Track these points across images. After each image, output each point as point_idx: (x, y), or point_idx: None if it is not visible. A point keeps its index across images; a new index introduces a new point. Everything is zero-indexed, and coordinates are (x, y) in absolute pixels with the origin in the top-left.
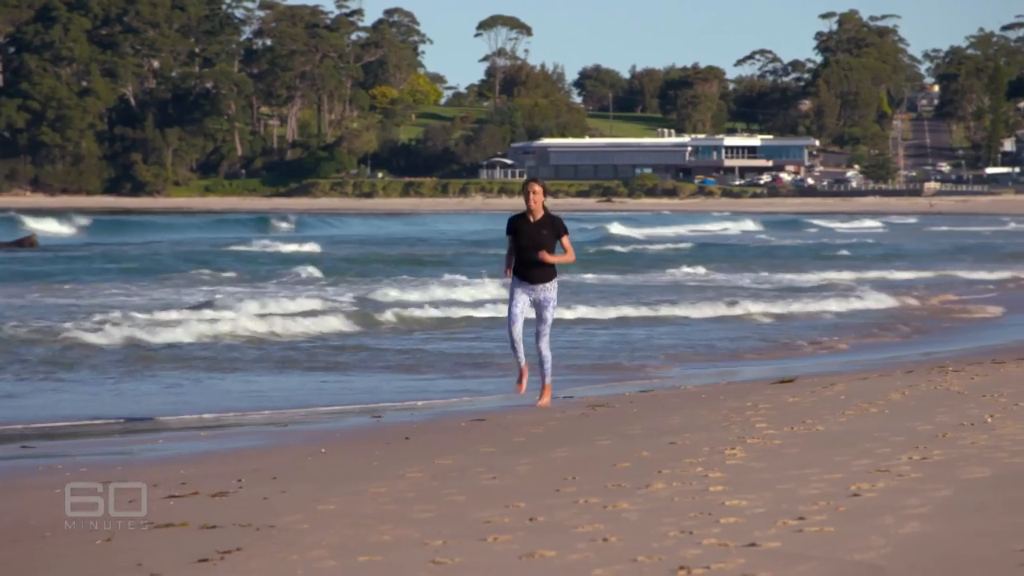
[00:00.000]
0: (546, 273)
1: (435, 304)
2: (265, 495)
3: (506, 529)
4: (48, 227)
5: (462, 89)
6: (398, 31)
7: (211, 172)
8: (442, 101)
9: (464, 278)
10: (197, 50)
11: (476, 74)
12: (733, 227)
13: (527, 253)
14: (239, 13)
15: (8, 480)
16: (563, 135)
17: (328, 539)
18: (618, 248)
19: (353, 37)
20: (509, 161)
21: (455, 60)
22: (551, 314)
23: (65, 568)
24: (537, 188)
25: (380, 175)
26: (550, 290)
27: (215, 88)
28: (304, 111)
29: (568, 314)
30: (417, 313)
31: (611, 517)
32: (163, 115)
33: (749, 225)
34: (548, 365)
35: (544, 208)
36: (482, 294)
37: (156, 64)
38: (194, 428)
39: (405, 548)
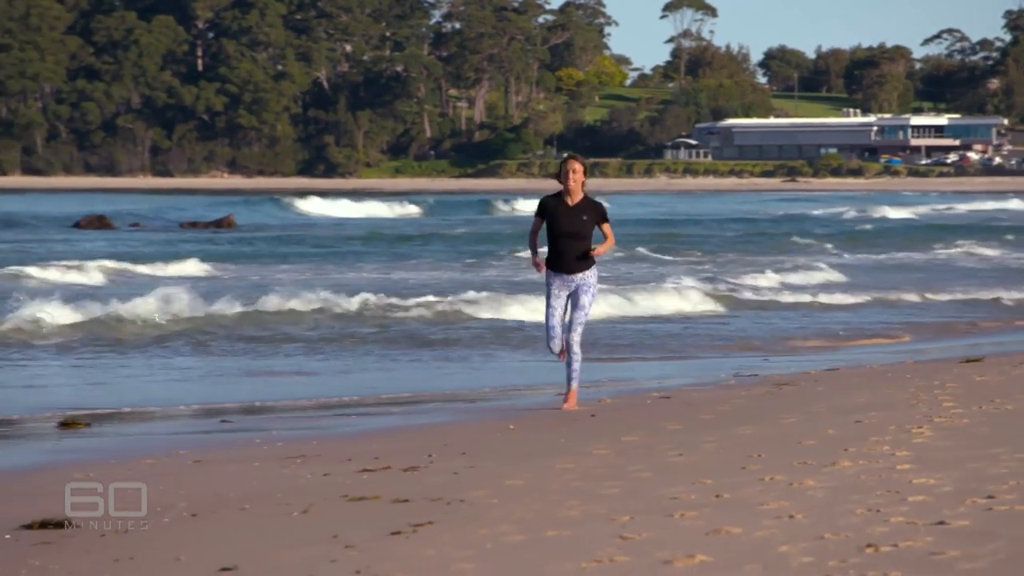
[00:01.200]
0: (586, 261)
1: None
2: (455, 470)
3: (692, 505)
4: (316, 207)
5: (647, 70)
6: (584, 13)
7: (401, 154)
8: (627, 82)
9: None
10: (388, 34)
11: (661, 55)
12: (997, 206)
13: (565, 241)
14: None
15: (208, 453)
16: (747, 115)
17: (516, 514)
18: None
19: (540, 20)
20: (694, 142)
21: (640, 42)
22: (589, 300)
23: (264, 539)
24: (577, 166)
25: (565, 156)
26: (589, 276)
27: (405, 71)
28: (491, 93)
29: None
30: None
31: (797, 494)
32: (355, 98)
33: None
34: (577, 365)
35: (584, 191)
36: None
37: (348, 48)
38: (386, 404)
39: (592, 523)
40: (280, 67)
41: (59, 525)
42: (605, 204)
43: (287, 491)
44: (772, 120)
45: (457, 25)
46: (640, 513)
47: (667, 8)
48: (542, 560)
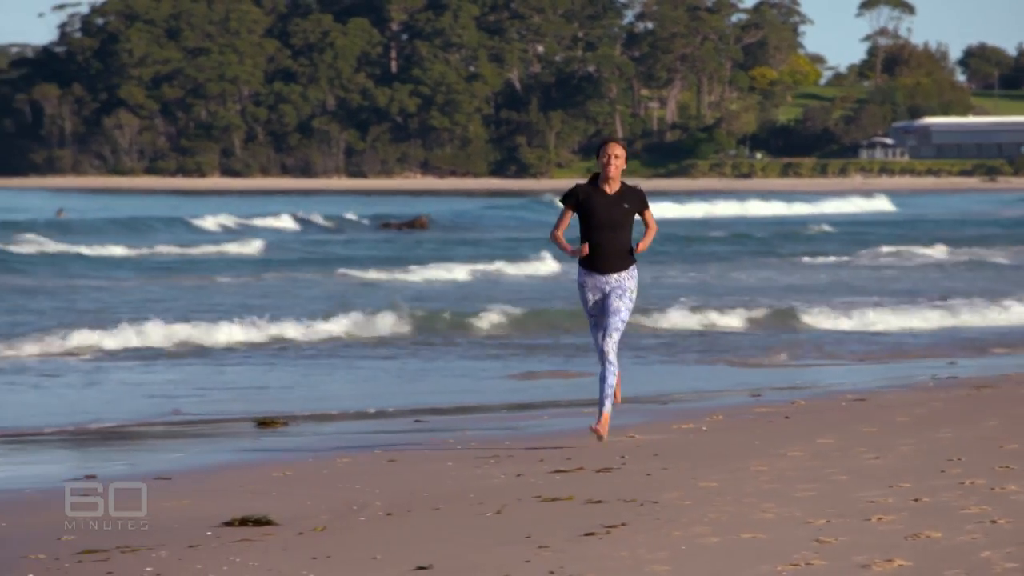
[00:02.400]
0: (624, 260)
1: None
2: (648, 471)
3: (890, 509)
4: None
5: (842, 69)
6: (779, 12)
7: (592, 154)
8: (821, 81)
9: None
10: (580, 34)
11: (857, 54)
12: None
13: (603, 235)
14: None
15: (403, 452)
16: (946, 114)
17: (710, 515)
18: None
19: (733, 19)
20: (890, 141)
21: (836, 40)
22: (627, 306)
23: (459, 538)
24: (620, 151)
25: (758, 156)
26: (627, 278)
27: (597, 71)
28: (684, 93)
29: None
30: None
31: (999, 499)
32: (547, 98)
33: None
34: (612, 379)
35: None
36: None
37: (541, 49)
38: (578, 405)
39: (788, 526)
40: (472, 68)
41: (259, 522)
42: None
43: (480, 491)
44: (971, 119)
45: (650, 25)
46: (836, 516)
47: (863, 6)
48: (737, 563)
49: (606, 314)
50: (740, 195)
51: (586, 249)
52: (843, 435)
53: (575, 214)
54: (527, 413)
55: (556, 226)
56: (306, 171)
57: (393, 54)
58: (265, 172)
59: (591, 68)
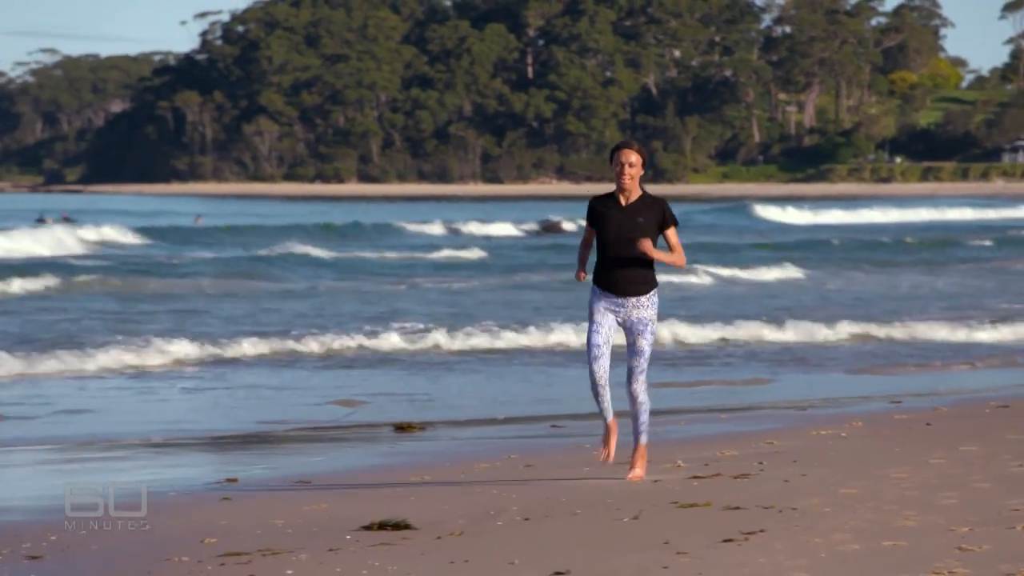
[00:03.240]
0: (642, 280)
1: None
2: (786, 478)
3: None
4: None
5: (984, 72)
6: (919, 15)
7: (729, 159)
8: (963, 84)
9: None
10: (717, 39)
11: (1000, 57)
12: None
13: (615, 250)
14: (759, 1)
15: (540, 457)
16: None
17: (850, 523)
18: None
19: (873, 22)
20: None
21: (978, 43)
22: (649, 342)
23: (596, 544)
24: (634, 157)
25: (898, 160)
26: (646, 306)
27: (734, 76)
28: (822, 97)
29: None
30: None
31: None
32: (683, 103)
33: None
34: (645, 416)
35: (641, 187)
36: None
37: (677, 53)
38: (715, 410)
39: (929, 534)
40: (609, 73)
41: (397, 527)
42: (670, 207)
43: (617, 496)
44: None
45: (787, 29)
46: (980, 524)
47: (1007, 8)
48: (878, 570)
49: (630, 355)
50: (917, 201)
51: (582, 276)
52: (987, 442)
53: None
54: (664, 418)
55: (582, 244)
56: (442, 177)
57: (529, 59)
58: (402, 178)
59: (728, 72)
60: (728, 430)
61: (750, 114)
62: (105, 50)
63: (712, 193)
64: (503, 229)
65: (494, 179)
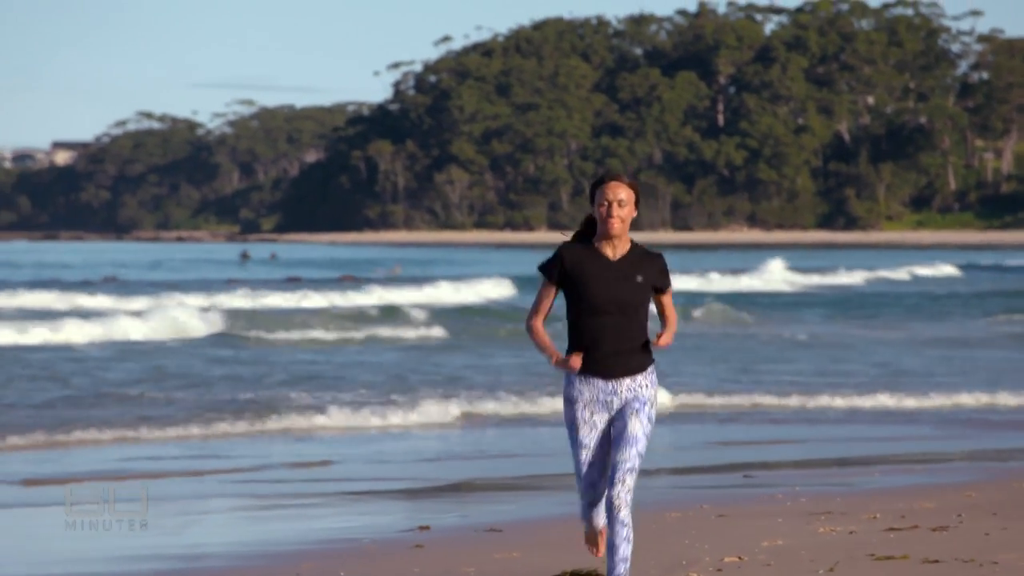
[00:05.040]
0: (639, 357)
1: None
2: (986, 531)
3: None
4: None
5: None
6: None
7: (923, 206)
8: None
9: None
10: (912, 85)
11: None
12: None
13: (603, 320)
14: (955, 48)
15: (732, 507)
16: None
17: None
18: None
19: None
20: None
21: None
22: (645, 430)
23: None
24: (624, 193)
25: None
26: (644, 386)
27: (929, 123)
28: (1020, 143)
29: None
30: None
31: None
32: (876, 150)
33: None
34: (626, 549)
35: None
36: None
37: (871, 100)
38: (908, 461)
39: None
40: (800, 120)
41: None
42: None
43: (812, 548)
44: None
45: (984, 75)
46: None
47: None
48: None
49: (617, 444)
50: None
51: (577, 362)
52: None
53: (563, 291)
54: (858, 469)
55: (533, 310)
56: (632, 224)
57: (720, 107)
58: None
59: (923, 119)
60: (924, 481)
61: (945, 161)
62: (300, 101)
63: (907, 241)
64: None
65: (684, 227)
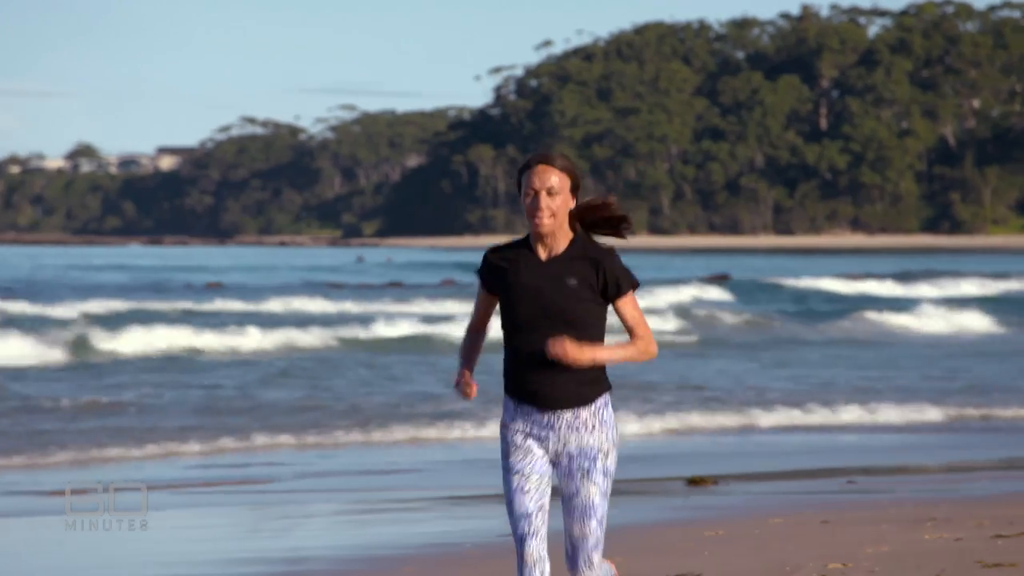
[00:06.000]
0: (581, 380)
1: None
2: None
3: None
4: None
5: None
6: None
7: None
8: None
9: None
10: (1018, 88)
11: None
12: None
13: (532, 336)
14: None
15: (835, 514)
16: None
17: None
18: None
19: None
20: None
21: None
22: (602, 489)
23: None
24: (554, 178)
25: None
26: (591, 426)
27: None
28: None
29: None
30: None
31: None
32: (982, 154)
33: None
34: None
35: (576, 229)
36: None
37: (976, 103)
38: (1017, 468)
39: None
40: (904, 124)
41: None
42: (621, 260)
43: (918, 555)
44: None
45: None
46: None
47: None
48: None
49: (570, 514)
50: None
51: (469, 391)
52: None
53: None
54: (963, 475)
55: (469, 326)
56: (733, 229)
57: (823, 110)
58: (692, 230)
59: None
60: None
61: None
62: (402, 106)
63: (1012, 245)
64: None
65: (786, 231)
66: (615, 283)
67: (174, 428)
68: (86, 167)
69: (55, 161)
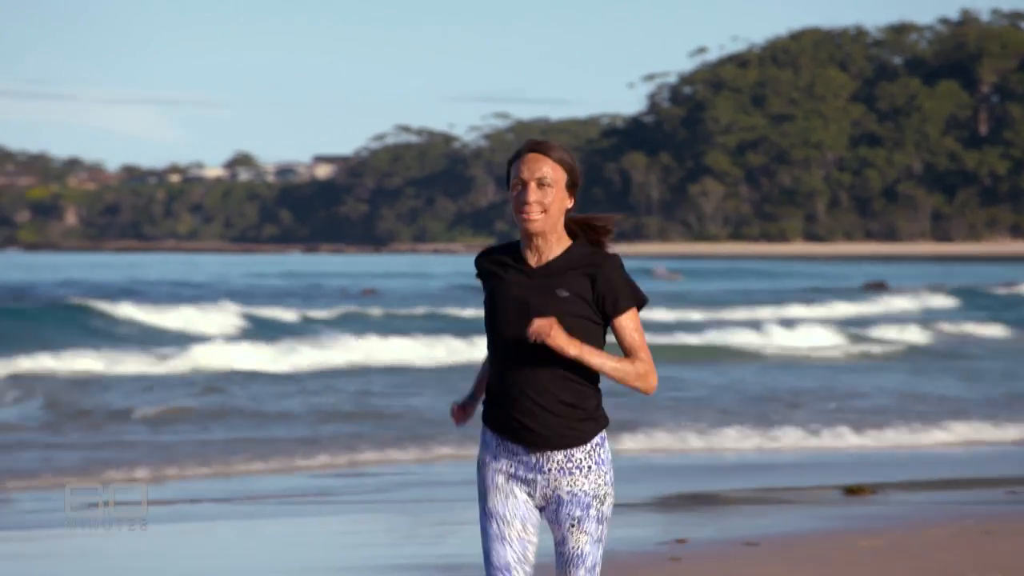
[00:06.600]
0: (571, 414)
1: None
2: None
3: None
4: None
5: None
6: None
7: None
8: None
9: None
10: None
11: None
12: None
13: (515, 358)
14: None
15: (997, 524)
16: None
17: None
18: None
19: None
20: None
21: None
22: (594, 536)
23: None
24: (547, 168)
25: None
26: (584, 468)
27: None
28: None
29: None
30: None
31: None
32: None
33: None
34: None
35: (572, 228)
36: None
37: None
38: None
39: None
40: None
41: None
42: (624, 270)
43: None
44: None
45: None
46: None
47: None
48: None
49: (561, 566)
50: None
51: (458, 418)
52: None
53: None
54: None
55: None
56: (890, 236)
57: (982, 116)
58: (848, 237)
59: None
60: None
61: None
62: (554, 113)
63: None
64: None
65: (944, 238)
66: (613, 297)
67: (348, 434)
68: (244, 176)
69: (214, 170)
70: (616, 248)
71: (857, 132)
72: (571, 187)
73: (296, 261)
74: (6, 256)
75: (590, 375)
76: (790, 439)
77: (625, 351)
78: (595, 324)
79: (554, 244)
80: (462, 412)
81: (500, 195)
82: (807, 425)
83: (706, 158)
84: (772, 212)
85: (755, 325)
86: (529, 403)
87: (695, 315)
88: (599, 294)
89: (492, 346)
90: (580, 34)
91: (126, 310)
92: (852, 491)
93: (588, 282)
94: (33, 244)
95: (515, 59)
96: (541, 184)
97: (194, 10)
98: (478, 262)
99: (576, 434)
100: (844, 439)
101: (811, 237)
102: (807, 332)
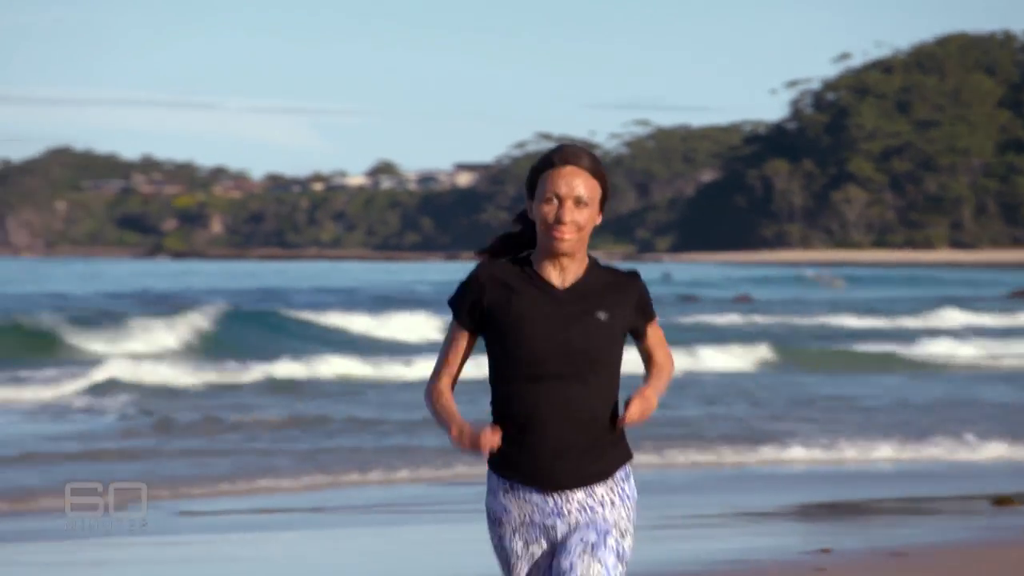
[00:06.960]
0: (601, 452)
1: None
2: None
3: None
4: None
5: None
6: None
7: None
8: None
9: None
10: None
11: None
12: None
13: (543, 388)
14: None
15: None
16: None
17: None
18: None
19: None
20: None
21: None
22: (614, 562)
23: None
24: (580, 186)
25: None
26: (609, 501)
27: None
28: None
29: None
30: None
31: None
32: None
33: None
34: None
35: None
36: None
37: None
38: None
39: None
40: None
41: None
42: (643, 281)
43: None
44: None
45: None
46: None
47: None
48: None
49: None
50: None
51: (496, 440)
52: None
53: (481, 338)
54: None
55: (437, 367)
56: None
57: None
58: (995, 244)
59: None
60: None
61: None
62: (696, 120)
63: None
64: None
65: None
66: (647, 306)
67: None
68: (386, 184)
69: (356, 178)
70: (758, 255)
71: (1004, 138)
72: (603, 200)
73: (438, 269)
74: (164, 265)
75: (614, 406)
76: (937, 449)
77: (650, 350)
78: (623, 345)
79: (579, 262)
80: (495, 434)
81: (641, 202)
82: (957, 435)
83: (849, 165)
84: (917, 219)
85: (937, 334)
86: (551, 439)
87: (879, 323)
88: (636, 309)
89: (508, 375)
90: (722, 40)
91: (333, 319)
92: (1000, 502)
93: (625, 299)
94: (180, 252)
95: (656, 66)
96: (579, 203)
97: (337, 20)
98: (479, 274)
99: (601, 467)
100: (993, 450)
101: (957, 244)
102: (958, 342)
